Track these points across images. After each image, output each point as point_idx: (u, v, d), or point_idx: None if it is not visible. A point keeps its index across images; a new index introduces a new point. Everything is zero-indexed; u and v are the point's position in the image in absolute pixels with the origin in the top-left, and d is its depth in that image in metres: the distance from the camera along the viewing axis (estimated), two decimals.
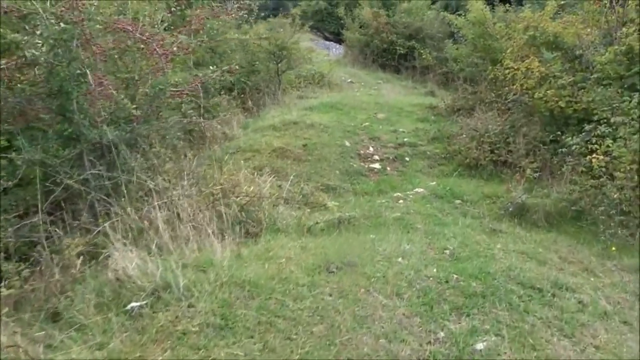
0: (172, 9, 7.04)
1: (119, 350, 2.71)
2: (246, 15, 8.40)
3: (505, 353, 2.87)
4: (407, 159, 8.30)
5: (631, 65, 6.84)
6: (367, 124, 9.69)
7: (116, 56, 5.36)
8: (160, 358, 2.65)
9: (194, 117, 7.57)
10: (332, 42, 23.31)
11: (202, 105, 8.85)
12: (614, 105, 6.09)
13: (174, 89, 5.29)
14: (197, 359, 2.66)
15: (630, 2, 7.76)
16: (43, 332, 2.98)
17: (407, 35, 16.69)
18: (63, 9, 4.43)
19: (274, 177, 6.51)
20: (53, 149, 4.69)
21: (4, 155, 4.48)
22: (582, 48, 7.64)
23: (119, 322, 2.90)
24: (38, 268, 4.06)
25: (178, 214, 4.61)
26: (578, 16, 8.64)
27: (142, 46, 5.35)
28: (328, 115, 9.99)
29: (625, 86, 6.76)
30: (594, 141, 5.83)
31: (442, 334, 3.02)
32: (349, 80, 15.67)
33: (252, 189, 5.50)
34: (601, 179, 5.45)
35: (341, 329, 2.97)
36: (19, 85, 4.67)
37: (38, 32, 4.33)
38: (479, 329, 3.07)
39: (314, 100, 11.60)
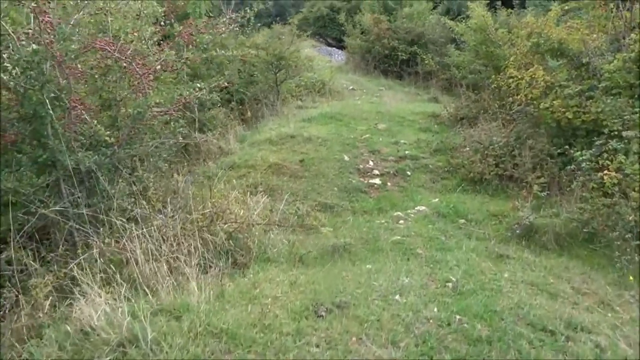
0: (162, 24, 6.77)
1: None
2: (237, 29, 8.05)
3: None
4: (408, 173, 7.97)
5: None
6: (367, 135, 9.36)
7: (97, 76, 5.08)
8: None
9: (185, 135, 7.30)
10: (334, 48, 23.09)
11: (197, 119, 8.64)
12: (625, 117, 5.74)
13: (157, 109, 4.99)
14: None
15: (638, 6, 7.41)
16: None
17: (409, 41, 16.40)
18: (31, 30, 4.15)
19: (267, 197, 6.21)
20: (27, 176, 4.41)
21: None
22: (588, 55, 7.29)
23: None
24: (6, 310, 3.79)
25: (160, 245, 4.32)
26: (583, 21, 8.30)
27: (124, 65, 5.06)
28: (327, 128, 9.68)
29: (636, 96, 6.42)
30: (605, 156, 5.47)
31: None
32: (351, 87, 15.37)
33: (242, 212, 5.19)
34: (614, 198, 5.09)
35: None
36: None
37: (5, 55, 4.04)
38: None
39: (313, 111, 11.30)
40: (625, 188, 5.16)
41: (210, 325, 3.00)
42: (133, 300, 3.29)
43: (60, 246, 4.32)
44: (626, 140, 5.36)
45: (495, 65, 9.62)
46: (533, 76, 7.27)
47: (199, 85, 5.61)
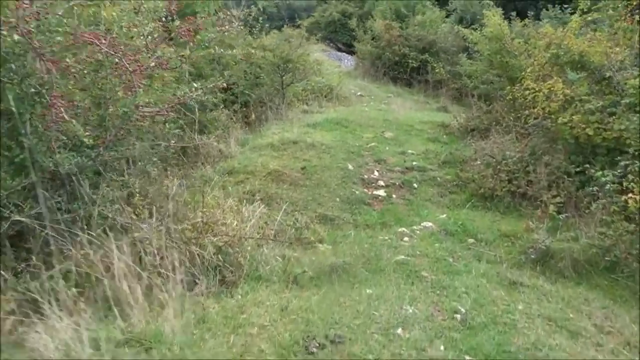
0: (163, 18, 6.44)
1: None
2: (242, 28, 7.69)
3: None
4: (415, 185, 7.57)
5: None
6: (373, 144, 8.99)
7: (85, 72, 4.73)
8: None
9: (181, 136, 6.93)
10: (344, 54, 22.76)
11: (197, 121, 8.29)
12: None
13: (148, 110, 4.63)
14: None
15: None
16: None
17: (420, 49, 16.08)
18: (13, 20, 3.80)
19: (265, 206, 5.84)
20: (2, 177, 4.06)
21: None
22: (611, 69, 6.88)
23: None
24: None
25: (140, 258, 3.95)
26: (605, 33, 7.89)
27: (116, 60, 4.71)
28: (332, 134, 9.31)
29: None
30: (630, 178, 5.06)
31: None
32: (359, 93, 15.04)
33: (235, 224, 4.82)
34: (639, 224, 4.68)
35: None
36: None
37: None
38: None
39: (318, 116, 10.94)
40: None
41: None
42: (102, 326, 2.91)
43: (35, 255, 3.97)
44: None
45: (510, 76, 9.25)
46: (551, 89, 6.87)
47: (195, 85, 5.26)
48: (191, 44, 6.18)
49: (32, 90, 4.00)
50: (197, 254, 4.21)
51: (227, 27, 6.56)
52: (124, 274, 3.55)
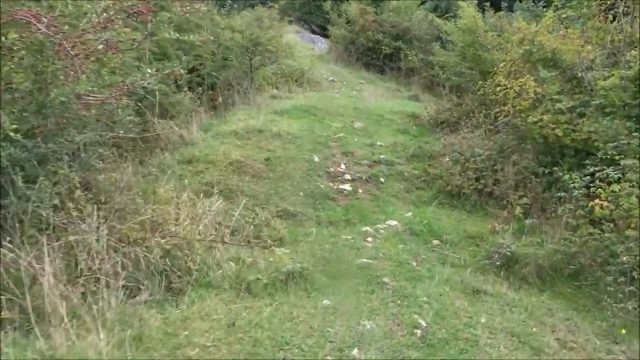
0: None
1: None
2: (207, 7, 7.24)
3: None
4: (382, 180, 7.36)
5: (638, 93, 6.01)
6: (341, 134, 8.72)
7: (23, 52, 4.27)
8: None
9: (135, 123, 6.51)
10: (318, 36, 22.25)
11: (158, 104, 7.83)
12: (622, 142, 5.24)
13: (93, 98, 4.23)
14: None
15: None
16: None
17: (393, 35, 15.80)
18: None
19: (223, 199, 5.54)
20: None
21: None
22: (582, 68, 6.77)
23: None
24: None
25: (76, 262, 3.61)
26: (577, 30, 7.78)
27: (57, 43, 4.27)
28: (299, 122, 8.98)
29: (632, 116, 5.94)
30: (597, 184, 4.95)
31: None
32: (331, 78, 14.68)
33: (187, 223, 4.50)
34: (605, 232, 4.59)
35: None
36: None
37: None
38: None
39: (287, 102, 10.58)
40: (618, 220, 4.67)
41: None
42: (19, 348, 2.58)
43: None
44: (622, 169, 4.85)
45: (482, 69, 9.08)
46: (523, 86, 6.72)
47: (149, 71, 4.86)
48: (149, 25, 5.75)
49: None
50: (142, 257, 3.89)
51: (188, 7, 6.14)
52: (54, 283, 3.22)
